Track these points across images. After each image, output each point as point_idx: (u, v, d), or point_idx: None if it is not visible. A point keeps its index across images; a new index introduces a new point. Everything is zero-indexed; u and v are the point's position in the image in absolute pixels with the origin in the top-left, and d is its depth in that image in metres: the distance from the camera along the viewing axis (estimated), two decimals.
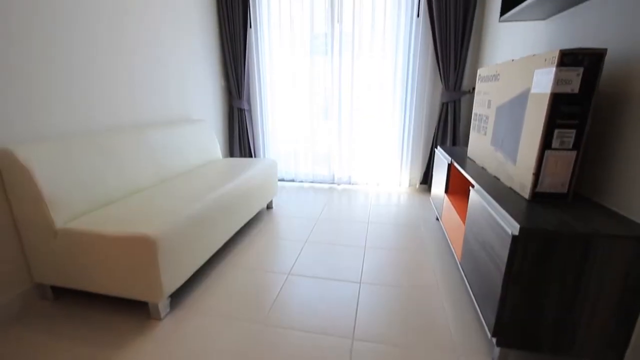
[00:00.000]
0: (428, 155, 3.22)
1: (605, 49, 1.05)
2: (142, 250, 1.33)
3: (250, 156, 3.55)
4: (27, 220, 1.46)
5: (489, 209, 1.26)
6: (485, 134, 1.74)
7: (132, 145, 1.96)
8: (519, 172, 1.32)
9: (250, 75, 3.38)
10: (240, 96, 3.35)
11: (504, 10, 1.73)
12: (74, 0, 1.71)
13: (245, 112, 3.41)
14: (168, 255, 1.41)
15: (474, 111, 1.95)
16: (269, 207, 2.85)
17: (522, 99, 1.32)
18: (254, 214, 2.36)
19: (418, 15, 2.87)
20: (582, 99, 1.10)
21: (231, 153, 3.56)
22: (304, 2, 3.07)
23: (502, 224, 1.12)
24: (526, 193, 1.25)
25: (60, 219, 1.45)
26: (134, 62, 2.17)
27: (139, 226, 1.38)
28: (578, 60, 1.07)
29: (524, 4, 1.44)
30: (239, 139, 3.52)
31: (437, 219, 2.55)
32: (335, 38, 3.09)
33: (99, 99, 1.91)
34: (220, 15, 3.16)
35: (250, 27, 3.21)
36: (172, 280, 1.45)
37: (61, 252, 1.45)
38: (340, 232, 2.33)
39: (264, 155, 3.61)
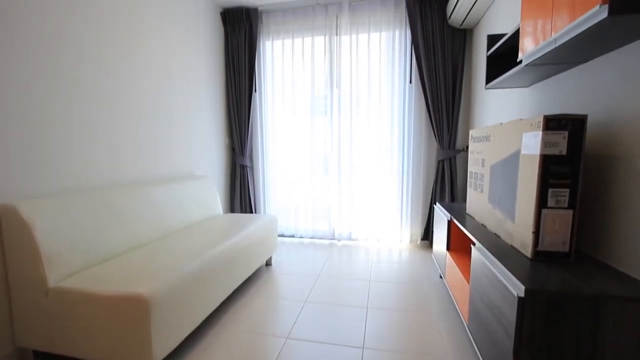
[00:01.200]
0: (428, 211, 3.24)
1: (586, 115, 1.13)
2: (135, 311, 1.28)
3: (251, 211, 3.57)
4: (20, 277, 1.43)
5: (492, 268, 1.24)
6: (482, 191, 1.78)
7: (134, 201, 1.98)
8: (519, 230, 1.33)
9: (254, 133, 3.54)
10: (243, 153, 3.48)
11: (489, 79, 1.89)
12: (77, 56, 1.81)
13: (247, 169, 3.51)
14: (162, 315, 1.35)
15: (469, 169, 2.01)
16: (268, 263, 2.78)
17: (513, 159, 1.38)
18: (253, 270, 2.30)
19: (410, 82, 3.11)
20: (571, 160, 1.16)
21: (232, 208, 3.58)
22: (305, 69, 3.35)
23: (507, 284, 1.10)
24: (528, 252, 1.25)
25: (55, 277, 1.42)
26: (141, 119, 2.30)
27: (133, 285, 1.35)
28: (562, 125, 1.14)
29: (504, 76, 1.58)
30: (240, 194, 3.56)
31: (441, 276, 2.48)
32: (335, 100, 3.31)
33: (104, 156, 1.99)
34: (228, 79, 3.42)
35: (255, 91, 3.45)
36: (164, 343, 1.37)
37: (50, 312, 1.39)
38: (341, 291, 2.25)
39: (265, 211, 3.63)
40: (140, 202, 2.02)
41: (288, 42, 3.34)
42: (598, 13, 0.90)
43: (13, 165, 1.51)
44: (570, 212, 1.18)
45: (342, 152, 3.36)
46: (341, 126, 3.33)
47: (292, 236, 3.60)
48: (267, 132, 3.53)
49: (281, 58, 3.38)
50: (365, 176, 3.39)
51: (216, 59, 3.29)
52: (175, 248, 1.85)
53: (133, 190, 2.02)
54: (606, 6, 0.87)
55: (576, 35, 1.01)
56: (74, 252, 1.52)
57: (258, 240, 2.38)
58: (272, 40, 3.38)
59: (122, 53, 2.10)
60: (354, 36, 3.19)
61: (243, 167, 3.52)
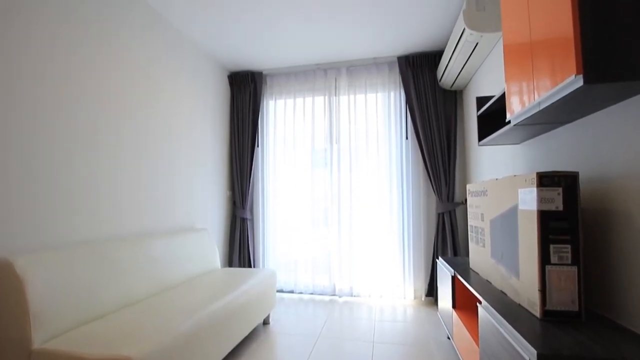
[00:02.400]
0: (430, 265, 3.16)
1: (577, 172, 1.17)
2: None
3: (250, 265, 3.48)
4: (3, 337, 1.35)
5: (501, 329, 1.18)
6: (484, 246, 1.77)
7: (132, 255, 1.95)
8: (525, 288, 1.29)
9: (255, 186, 3.60)
10: (243, 206, 3.50)
11: (481, 136, 1.99)
12: (77, 110, 1.86)
13: (247, 221, 3.50)
14: None
15: (469, 223, 2.02)
16: (266, 322, 2.64)
17: (512, 214, 1.40)
18: (250, 330, 2.18)
19: (407, 138, 3.25)
20: (569, 216, 1.17)
21: (230, 261, 3.50)
22: (306, 125, 3.52)
23: (518, 348, 1.04)
24: (536, 311, 1.20)
25: (41, 337, 1.35)
26: (145, 173, 2.35)
27: (122, 347, 1.27)
28: (555, 182, 1.18)
29: (494, 135, 1.67)
30: (240, 247, 3.51)
31: (449, 337, 2.33)
32: (334, 153, 3.42)
33: (106, 208, 2.00)
34: (232, 135, 3.58)
35: (258, 146, 3.59)
36: None
37: None
38: (343, 354, 2.10)
39: (264, 264, 3.54)
40: (139, 256, 1.99)
41: (290, 101, 3.56)
42: (574, 82, 0.98)
43: (14, 217, 1.52)
44: (575, 268, 1.16)
45: (342, 204, 3.38)
46: (341, 178, 3.40)
47: (292, 292, 3.46)
48: (268, 185, 3.59)
49: (283, 116, 3.57)
50: (365, 229, 3.37)
51: (222, 117, 3.48)
52: (170, 305, 1.78)
53: (133, 244, 2.00)
54: (581, 76, 0.96)
55: (558, 100, 1.10)
56: (65, 310, 1.46)
57: (256, 297, 2.29)
58: (275, 99, 3.60)
59: (130, 110, 2.23)
60: (351, 96, 3.40)
61: (243, 219, 3.51)
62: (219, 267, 2.85)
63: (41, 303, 1.38)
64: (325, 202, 3.47)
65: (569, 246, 1.17)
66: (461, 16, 2.13)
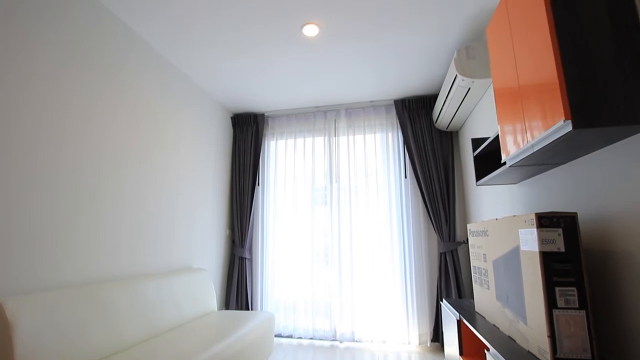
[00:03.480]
0: (435, 308, 3.05)
1: (575, 213, 1.18)
2: None
3: (248, 307, 3.35)
4: None
5: None
6: (488, 288, 1.72)
7: (125, 298, 1.89)
8: (533, 334, 1.24)
9: (254, 225, 3.58)
10: (242, 245, 3.45)
11: (478, 176, 2.02)
12: (78, 149, 1.90)
13: (246, 261, 3.43)
14: None
15: (472, 263, 1.98)
16: None
17: (514, 255, 1.38)
18: None
19: (406, 177, 3.30)
20: (571, 257, 1.16)
21: (228, 303, 3.38)
22: (306, 164, 3.58)
23: None
24: (547, 359, 1.14)
25: None
26: (144, 212, 2.35)
27: None
28: (554, 223, 1.18)
29: (491, 175, 1.70)
30: (237, 288, 3.40)
31: None
32: (334, 192, 3.44)
33: (102, 248, 1.97)
34: (233, 174, 3.62)
35: (258, 185, 3.62)
36: None
37: None
38: None
39: (262, 306, 3.41)
40: (132, 299, 1.93)
41: (291, 141, 3.66)
42: (564, 126, 1.03)
43: (8, 256, 1.49)
44: (583, 313, 1.12)
45: (343, 243, 3.34)
46: (341, 217, 3.39)
47: (290, 336, 3.30)
48: (268, 224, 3.56)
49: (284, 155, 3.65)
50: (366, 268, 3.29)
51: (224, 157, 3.55)
52: (161, 353, 1.69)
53: (127, 285, 1.95)
54: (569, 121, 1.00)
55: (550, 143, 1.13)
56: (53, 356, 1.39)
57: (253, 344, 2.18)
58: (276, 140, 3.70)
59: (132, 149, 2.29)
60: (350, 137, 3.50)
61: (242, 259, 3.45)
62: (216, 310, 2.75)
63: (27, 347, 1.32)
64: (325, 241, 3.42)
65: (574, 289, 1.14)
66: (453, 63, 2.26)
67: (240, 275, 3.43)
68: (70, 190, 1.78)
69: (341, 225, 3.38)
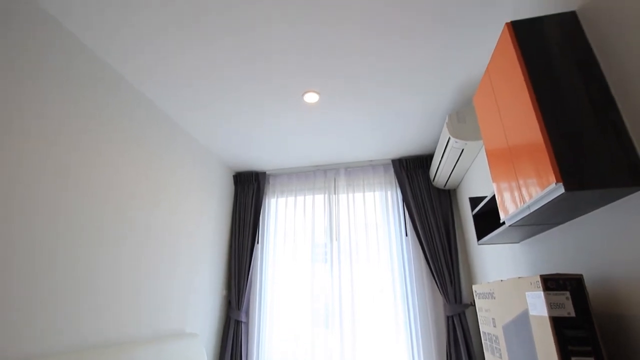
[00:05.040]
0: None
1: (581, 275, 1.15)
2: None
3: None
4: None
5: None
6: (500, 356, 1.60)
7: None
8: None
9: (252, 286, 3.45)
10: (239, 307, 3.28)
11: (479, 235, 2.01)
12: (78, 206, 1.92)
13: (242, 325, 3.23)
14: None
15: (481, 329, 1.87)
16: None
17: (523, 319, 1.32)
18: None
19: (407, 235, 3.27)
20: (584, 323, 1.11)
21: None
22: (306, 222, 3.57)
23: None
24: None
25: None
26: (142, 273, 2.28)
27: None
28: (561, 285, 1.15)
29: (491, 235, 1.69)
30: (232, 354, 3.15)
31: None
32: (334, 250, 3.38)
33: (106, 312, 1.88)
34: (232, 232, 3.59)
35: (258, 243, 3.57)
36: None
37: None
38: None
39: None
40: None
41: (291, 199, 3.70)
42: (556, 189, 1.06)
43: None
44: None
45: (344, 304, 3.18)
46: (342, 275, 3.28)
47: None
48: (266, 284, 3.44)
49: (284, 213, 3.66)
50: (369, 332, 3.08)
51: (224, 215, 3.56)
52: None
53: (116, 353, 1.82)
54: (561, 184, 1.04)
55: (546, 204, 1.16)
56: None
57: None
58: (277, 197, 3.75)
59: (132, 208, 2.30)
60: (350, 195, 3.55)
61: (238, 322, 3.25)
62: None
63: None
64: (325, 301, 3.26)
65: (592, 359, 1.07)
66: (445, 127, 2.40)
67: (235, 341, 3.20)
68: (69, 249, 1.76)
69: (342, 284, 3.25)
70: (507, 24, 1.32)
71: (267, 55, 2.07)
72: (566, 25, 1.27)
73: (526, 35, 1.28)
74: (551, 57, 1.23)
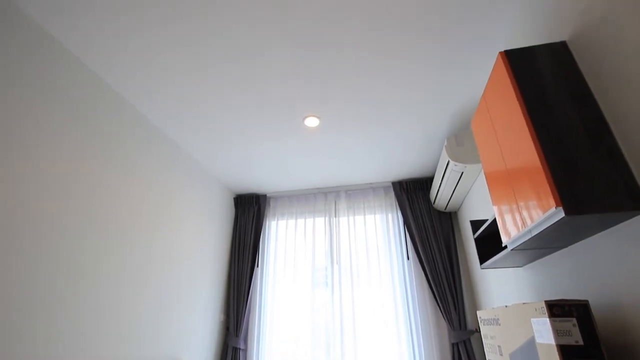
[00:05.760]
0: None
1: (587, 301, 1.13)
2: None
3: None
4: None
5: None
6: None
7: None
8: None
9: (251, 310, 3.37)
10: (237, 334, 3.19)
11: (482, 259, 1.98)
12: (80, 230, 1.97)
13: (240, 352, 3.13)
14: None
15: (487, 357, 1.81)
16: None
17: (530, 347, 1.28)
18: None
19: (408, 258, 3.23)
20: (593, 352, 1.07)
21: None
22: (307, 245, 3.53)
23: None
24: None
25: None
26: (143, 300, 2.24)
27: None
28: (566, 311, 1.13)
29: (494, 259, 1.68)
30: None
31: None
32: (335, 274, 3.32)
33: (89, 338, 1.83)
34: (232, 255, 3.55)
35: (257, 266, 3.52)
36: None
37: None
38: None
39: None
40: None
41: (292, 222, 3.68)
42: (556, 213, 1.06)
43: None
44: None
45: (345, 329, 3.09)
46: (342, 300, 3.21)
47: None
48: (266, 309, 3.36)
49: (284, 235, 3.63)
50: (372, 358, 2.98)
51: (224, 238, 3.53)
52: None
53: None
54: (561, 208, 1.04)
55: (547, 228, 1.15)
56: None
57: None
58: (277, 220, 3.73)
59: (132, 234, 2.29)
60: (351, 217, 3.54)
61: (235, 349, 3.15)
62: None
63: None
64: (326, 327, 3.17)
65: None
66: (444, 150, 2.43)
67: None
68: (71, 271, 1.74)
69: (343, 309, 3.18)
70: (500, 53, 1.37)
71: (267, 80, 2.13)
72: (558, 54, 1.32)
73: (519, 63, 1.33)
74: (545, 84, 1.27)
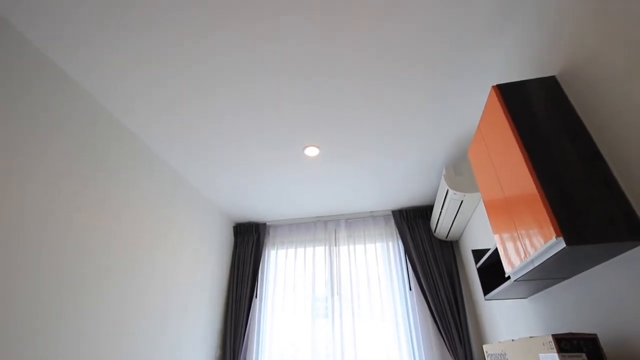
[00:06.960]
0: None
1: (595, 335, 1.10)
2: None
3: None
4: None
5: None
6: None
7: None
8: None
9: (249, 343, 3.23)
10: None
11: (485, 289, 1.94)
12: (79, 260, 1.94)
13: None
14: None
15: None
16: None
17: None
18: None
19: (410, 289, 3.15)
20: None
21: None
22: (307, 274, 3.46)
23: None
24: None
25: None
26: (142, 331, 2.16)
27: None
28: (575, 346, 1.09)
29: (497, 290, 1.64)
30: None
31: None
32: (336, 304, 3.23)
33: None
34: (230, 285, 3.47)
35: (256, 297, 3.43)
36: None
37: None
38: None
39: None
40: None
41: (291, 251, 3.63)
42: (557, 243, 1.06)
43: None
44: None
45: None
46: (343, 332, 3.10)
47: None
48: (264, 344, 3.22)
49: (284, 265, 3.57)
50: None
51: (223, 267, 3.47)
52: None
53: None
54: (561, 238, 1.04)
55: (549, 258, 1.14)
56: None
57: None
58: (277, 249, 3.68)
59: (131, 265, 2.25)
60: (351, 246, 3.50)
61: None
62: None
63: None
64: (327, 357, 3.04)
65: None
66: (443, 179, 2.45)
67: None
68: (70, 310, 1.69)
69: (344, 341, 3.06)
70: (493, 87, 1.43)
71: (268, 110, 2.18)
72: (548, 87, 1.37)
73: (512, 96, 1.38)
74: (538, 116, 1.31)
